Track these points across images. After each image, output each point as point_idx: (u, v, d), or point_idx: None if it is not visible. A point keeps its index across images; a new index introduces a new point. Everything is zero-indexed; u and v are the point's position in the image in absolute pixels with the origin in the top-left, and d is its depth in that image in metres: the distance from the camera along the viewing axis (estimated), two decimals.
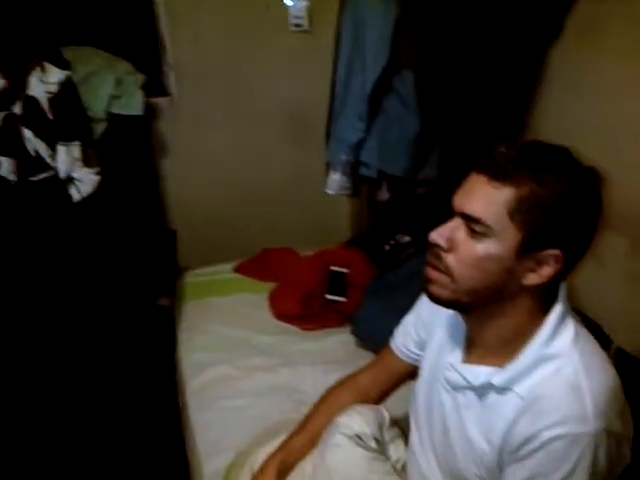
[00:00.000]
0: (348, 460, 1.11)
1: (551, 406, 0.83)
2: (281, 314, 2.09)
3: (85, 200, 1.96)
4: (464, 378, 0.96)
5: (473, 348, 0.98)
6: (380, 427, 1.16)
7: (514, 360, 0.89)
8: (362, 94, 1.87)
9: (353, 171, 2.03)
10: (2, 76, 1.81)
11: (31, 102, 1.83)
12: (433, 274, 0.91)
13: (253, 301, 2.17)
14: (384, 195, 2.11)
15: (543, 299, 0.90)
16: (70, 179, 1.93)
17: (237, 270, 2.38)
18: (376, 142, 1.94)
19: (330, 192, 2.08)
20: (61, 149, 1.88)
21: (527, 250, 0.84)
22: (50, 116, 1.86)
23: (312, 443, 1.20)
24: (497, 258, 0.84)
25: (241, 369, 1.80)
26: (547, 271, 0.85)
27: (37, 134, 1.85)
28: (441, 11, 1.77)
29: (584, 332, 0.92)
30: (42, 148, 1.86)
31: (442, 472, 1.05)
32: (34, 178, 1.88)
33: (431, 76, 1.83)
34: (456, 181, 0.90)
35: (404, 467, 1.19)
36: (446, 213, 0.90)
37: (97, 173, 1.97)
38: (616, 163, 1.28)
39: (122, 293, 2.14)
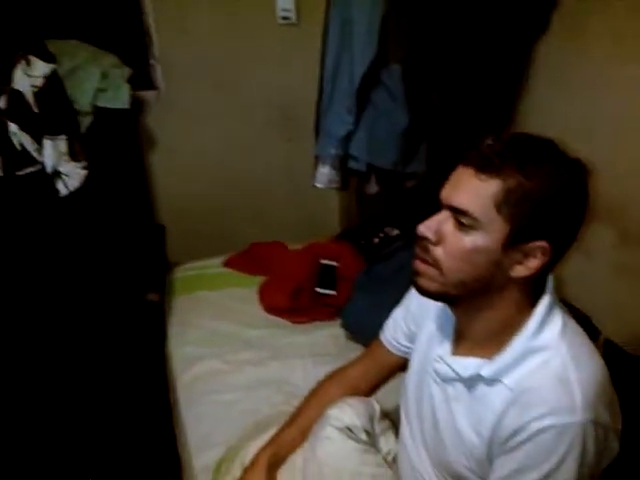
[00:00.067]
0: (339, 453, 1.11)
1: (539, 398, 0.84)
2: (271, 308, 2.09)
3: (72, 195, 1.94)
4: (453, 370, 0.96)
5: (462, 340, 0.99)
6: (371, 419, 1.17)
7: (502, 352, 0.90)
8: (350, 88, 1.87)
9: (342, 165, 2.03)
10: None
11: (16, 96, 1.81)
12: (421, 267, 0.91)
13: (243, 295, 2.17)
14: (373, 188, 2.11)
15: (531, 291, 0.90)
16: (57, 173, 1.91)
17: (226, 264, 2.37)
18: (365, 135, 1.94)
19: (319, 186, 2.08)
20: (47, 143, 1.86)
21: (514, 242, 0.84)
22: (36, 110, 1.84)
23: (303, 436, 1.20)
24: (484, 250, 0.85)
25: (231, 363, 1.80)
26: (534, 263, 0.86)
27: (23, 128, 1.83)
28: (429, 5, 1.77)
29: (572, 324, 0.93)
30: (28, 142, 1.84)
31: (433, 464, 1.05)
32: (20, 173, 1.86)
33: (419, 69, 1.83)
34: (444, 174, 0.90)
35: (395, 459, 1.20)
36: (435, 206, 0.90)
37: (84, 167, 1.96)
38: (601, 156, 1.29)
39: (111, 289, 2.13)
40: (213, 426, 1.56)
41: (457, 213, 0.86)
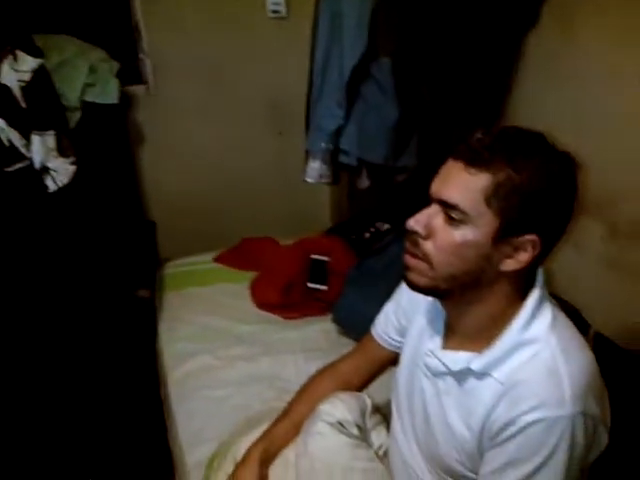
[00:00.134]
0: (330, 447, 1.11)
1: (529, 391, 0.84)
2: (262, 303, 2.09)
3: (61, 190, 1.93)
4: (443, 364, 0.96)
5: (452, 334, 0.99)
6: (362, 414, 1.17)
7: (492, 346, 0.90)
8: (340, 81, 1.86)
9: (332, 159, 2.02)
10: None
11: (3, 91, 1.79)
12: (411, 261, 0.91)
13: (234, 291, 2.16)
14: (364, 183, 2.10)
15: (521, 285, 0.91)
16: (45, 169, 1.90)
17: (217, 260, 2.37)
18: (355, 129, 1.93)
19: (309, 180, 2.07)
20: (35, 139, 1.85)
21: (504, 236, 0.84)
22: (23, 105, 1.82)
23: (295, 431, 1.20)
24: (474, 244, 0.85)
25: (222, 359, 1.80)
26: (524, 257, 0.86)
27: (10, 124, 1.81)
28: None
29: (562, 317, 0.93)
30: (16, 138, 1.82)
31: (424, 458, 1.05)
32: (9, 169, 1.85)
33: (408, 63, 1.83)
34: (435, 168, 0.90)
35: (386, 453, 1.20)
36: (425, 201, 0.90)
37: (73, 163, 1.94)
38: (590, 149, 1.30)
39: (101, 285, 2.12)
40: (205, 422, 1.56)
41: (447, 207, 0.85)
